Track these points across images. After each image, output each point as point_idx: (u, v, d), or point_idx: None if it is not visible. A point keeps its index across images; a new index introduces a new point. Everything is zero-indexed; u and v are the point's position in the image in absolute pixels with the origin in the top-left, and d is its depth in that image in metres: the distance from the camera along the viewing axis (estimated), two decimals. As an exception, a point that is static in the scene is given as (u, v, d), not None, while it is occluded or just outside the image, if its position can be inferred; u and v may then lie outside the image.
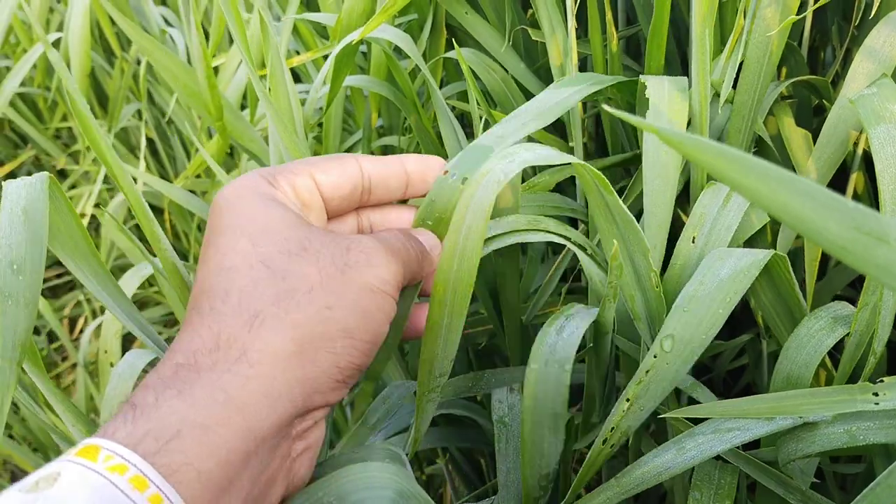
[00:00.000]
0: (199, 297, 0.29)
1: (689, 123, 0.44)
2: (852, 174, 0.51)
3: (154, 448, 0.24)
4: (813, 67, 0.63)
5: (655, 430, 0.54)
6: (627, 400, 0.34)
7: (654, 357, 0.35)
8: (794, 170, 0.48)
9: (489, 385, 0.49)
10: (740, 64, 0.45)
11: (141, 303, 1.27)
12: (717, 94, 0.46)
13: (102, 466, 0.23)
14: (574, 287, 0.61)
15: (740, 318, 0.61)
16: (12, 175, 1.50)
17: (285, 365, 0.27)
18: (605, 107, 0.24)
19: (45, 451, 1.02)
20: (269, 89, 0.59)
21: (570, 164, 0.36)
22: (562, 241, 0.42)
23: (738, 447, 0.35)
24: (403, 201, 0.39)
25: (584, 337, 0.40)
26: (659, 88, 0.42)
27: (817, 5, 0.43)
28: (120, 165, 0.36)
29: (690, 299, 0.35)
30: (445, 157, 0.60)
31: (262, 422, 0.27)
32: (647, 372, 0.34)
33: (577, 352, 0.39)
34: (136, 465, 0.24)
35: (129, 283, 0.73)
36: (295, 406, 0.28)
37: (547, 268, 0.59)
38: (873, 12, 0.44)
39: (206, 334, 0.27)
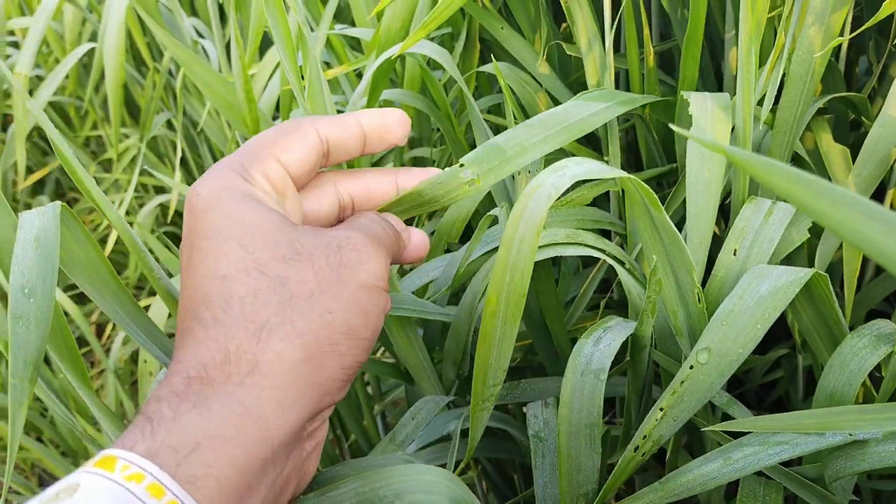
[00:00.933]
0: (195, 305, 0.29)
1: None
2: (889, 190, 0.51)
3: (174, 460, 0.25)
4: (848, 80, 0.63)
5: (688, 444, 0.54)
6: (661, 409, 0.35)
7: (690, 368, 0.35)
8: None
9: (524, 394, 0.50)
10: (780, 79, 0.45)
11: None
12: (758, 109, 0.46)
13: (120, 476, 0.24)
14: (608, 301, 0.61)
15: (774, 332, 0.61)
16: (41, 183, 1.52)
17: (296, 373, 0.28)
18: (674, 127, 0.24)
19: (75, 455, 1.03)
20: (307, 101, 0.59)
21: (607, 179, 0.36)
22: (600, 255, 0.43)
23: (780, 464, 0.36)
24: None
25: (623, 350, 0.40)
26: (702, 105, 0.43)
27: (861, 30, 0.43)
28: (106, 204, 0.35)
29: (729, 314, 0.36)
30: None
31: (279, 430, 0.27)
32: (681, 383, 0.34)
33: (616, 365, 0.39)
34: (152, 473, 0.24)
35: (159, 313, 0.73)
36: (307, 411, 0.28)
37: (580, 280, 0.59)
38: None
39: (213, 347, 0.28)
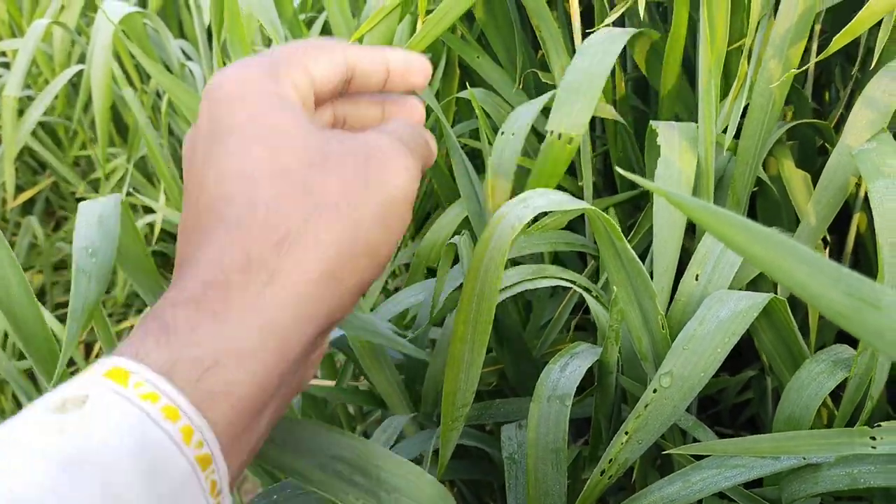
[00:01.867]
0: (216, 202, 0.27)
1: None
2: (855, 214, 0.52)
3: (193, 376, 0.24)
4: (819, 102, 0.65)
5: (662, 465, 0.54)
6: (626, 433, 0.36)
7: (654, 392, 0.36)
8: (794, 211, 0.49)
9: (498, 414, 0.51)
10: (745, 106, 0.46)
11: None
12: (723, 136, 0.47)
13: (133, 393, 0.23)
14: (583, 322, 0.62)
15: (747, 354, 0.62)
16: (31, 202, 1.52)
17: (315, 287, 0.26)
18: (618, 169, 0.25)
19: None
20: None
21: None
22: (568, 284, 0.44)
23: (741, 485, 0.37)
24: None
25: (593, 374, 0.42)
26: (670, 136, 0.44)
27: (817, 59, 0.44)
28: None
29: (690, 338, 0.37)
30: (457, 195, 0.62)
31: (295, 345, 0.26)
32: (646, 406, 0.35)
33: (588, 388, 0.40)
34: (167, 393, 0.23)
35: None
36: (322, 325, 0.27)
37: (556, 304, 0.60)
38: (874, 63, 0.45)
39: (235, 251, 0.26)
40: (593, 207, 0.36)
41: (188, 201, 0.29)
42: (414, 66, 0.35)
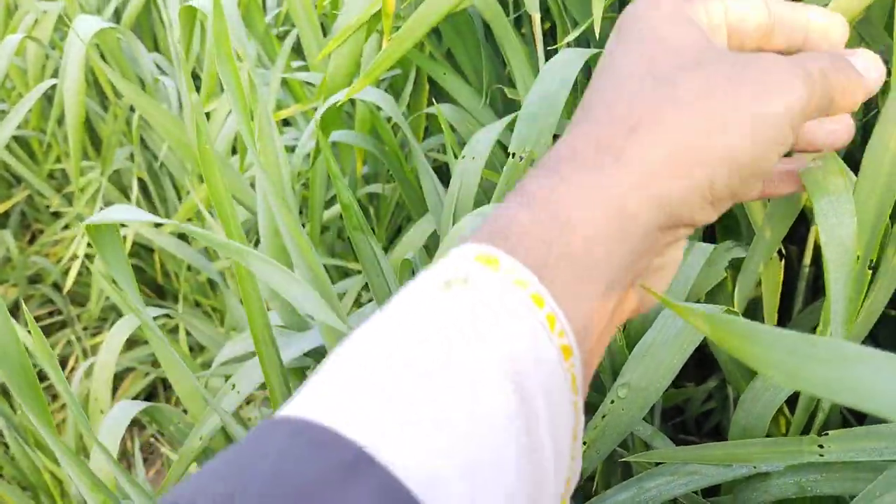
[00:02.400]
0: (591, 94, 0.29)
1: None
2: (813, 226, 0.53)
3: (544, 259, 0.24)
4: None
5: (624, 473, 0.56)
6: (585, 443, 0.37)
7: (612, 403, 0.37)
8: (751, 226, 0.51)
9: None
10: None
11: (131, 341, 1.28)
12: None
13: (507, 279, 0.24)
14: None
15: (713, 364, 0.64)
16: (5, 215, 1.52)
17: (657, 172, 0.26)
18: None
19: (35, 490, 1.03)
20: (258, 143, 0.61)
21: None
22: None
23: (697, 492, 0.38)
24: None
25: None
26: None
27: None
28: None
29: (648, 348, 0.38)
30: (426, 209, 0.63)
31: (641, 225, 0.26)
32: (603, 417, 0.36)
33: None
34: (533, 284, 0.24)
35: (117, 337, 0.74)
36: (663, 217, 0.27)
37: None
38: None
39: (589, 140, 0.27)
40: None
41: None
42: (835, 27, 0.32)
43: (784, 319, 0.62)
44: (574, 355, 0.24)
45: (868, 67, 0.31)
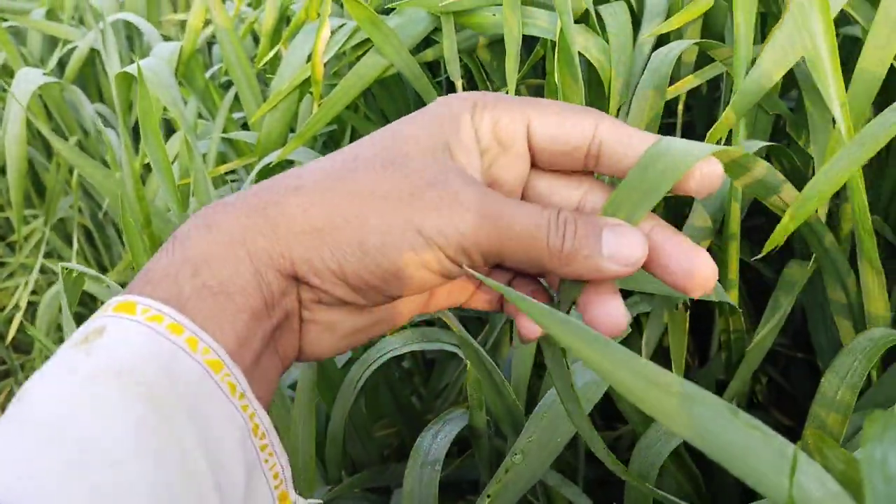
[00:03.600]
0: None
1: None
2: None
3: (182, 294, 0.26)
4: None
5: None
6: (488, 496, 0.39)
7: (514, 456, 0.39)
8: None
9: (391, 478, 0.53)
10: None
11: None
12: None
13: (142, 317, 0.26)
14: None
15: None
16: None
17: (285, 232, 0.28)
18: (466, 268, 0.29)
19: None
20: (195, 199, 0.63)
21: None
22: (451, 349, 0.47)
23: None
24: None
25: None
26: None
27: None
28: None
29: (549, 406, 0.40)
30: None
31: (254, 266, 0.28)
32: (506, 472, 0.39)
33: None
34: (170, 316, 0.26)
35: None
36: (274, 268, 0.28)
37: (456, 366, 0.64)
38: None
39: (257, 189, 0.29)
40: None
41: None
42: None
43: (704, 360, 0.66)
44: (227, 367, 0.26)
45: (620, 248, 0.28)
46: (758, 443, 0.19)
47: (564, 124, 0.30)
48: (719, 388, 0.53)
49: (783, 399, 0.70)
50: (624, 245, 0.28)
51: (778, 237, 0.39)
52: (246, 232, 0.28)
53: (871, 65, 0.41)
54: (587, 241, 0.28)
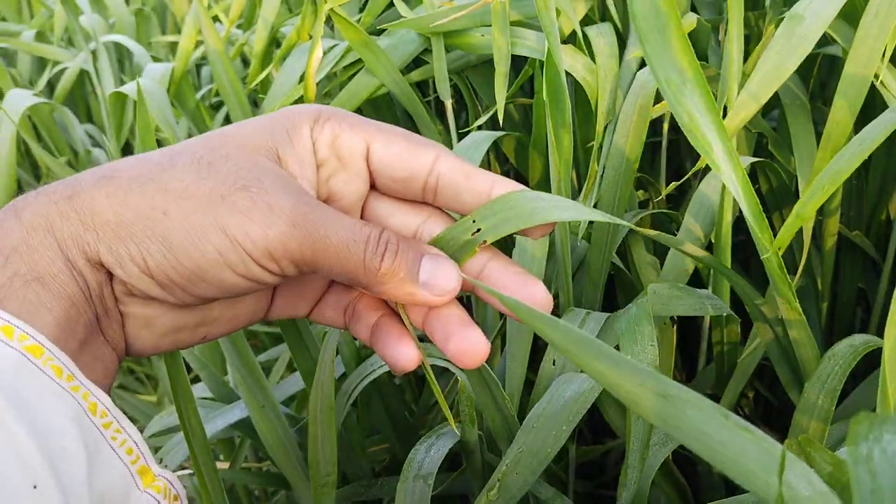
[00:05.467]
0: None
1: (552, 254, 0.51)
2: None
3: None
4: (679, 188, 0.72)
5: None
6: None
7: (506, 466, 0.40)
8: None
9: (382, 492, 0.53)
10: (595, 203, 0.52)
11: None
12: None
13: None
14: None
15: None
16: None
17: (93, 223, 0.28)
18: (463, 275, 0.30)
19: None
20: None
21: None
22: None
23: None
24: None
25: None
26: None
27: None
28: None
29: (538, 417, 0.41)
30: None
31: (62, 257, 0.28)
32: (498, 480, 0.39)
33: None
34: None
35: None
36: (82, 258, 0.28)
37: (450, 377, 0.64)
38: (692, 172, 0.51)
39: (74, 179, 0.29)
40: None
41: None
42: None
43: (690, 377, 0.66)
44: (49, 351, 0.26)
45: (436, 277, 0.29)
46: (748, 444, 0.20)
47: (404, 153, 0.31)
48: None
49: (770, 413, 0.71)
50: (440, 276, 0.29)
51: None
52: (53, 219, 0.28)
53: (854, 82, 0.43)
54: (405, 265, 0.29)
